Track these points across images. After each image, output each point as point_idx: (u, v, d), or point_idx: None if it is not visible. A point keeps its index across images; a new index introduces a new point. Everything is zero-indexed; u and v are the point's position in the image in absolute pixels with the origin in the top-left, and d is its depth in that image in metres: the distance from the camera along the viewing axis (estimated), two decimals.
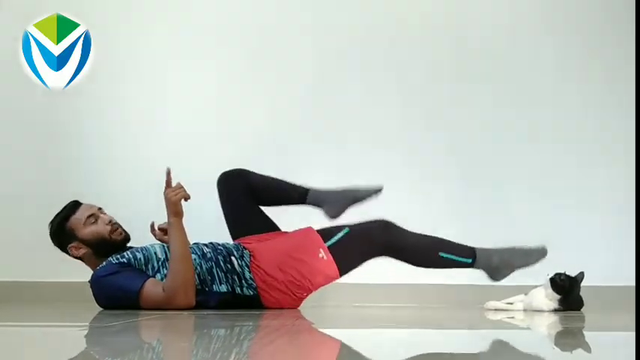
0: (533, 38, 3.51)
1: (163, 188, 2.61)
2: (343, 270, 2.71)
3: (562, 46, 3.49)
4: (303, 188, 2.80)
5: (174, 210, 2.58)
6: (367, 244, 2.71)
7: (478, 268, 2.75)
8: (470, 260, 2.73)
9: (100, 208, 2.70)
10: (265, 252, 2.67)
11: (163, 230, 2.68)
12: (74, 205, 2.67)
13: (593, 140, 3.46)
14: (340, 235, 2.70)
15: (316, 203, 2.77)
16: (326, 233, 2.71)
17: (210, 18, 3.48)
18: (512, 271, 2.75)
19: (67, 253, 2.66)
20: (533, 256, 2.75)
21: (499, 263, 2.73)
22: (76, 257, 2.66)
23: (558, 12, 3.51)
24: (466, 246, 2.76)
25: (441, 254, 2.72)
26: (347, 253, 2.69)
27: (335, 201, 2.75)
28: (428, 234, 2.79)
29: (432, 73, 3.47)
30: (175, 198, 2.58)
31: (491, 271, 2.75)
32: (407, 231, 2.75)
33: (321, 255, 2.65)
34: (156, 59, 3.47)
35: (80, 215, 2.64)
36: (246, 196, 2.77)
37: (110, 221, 2.67)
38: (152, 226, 2.72)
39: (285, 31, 3.47)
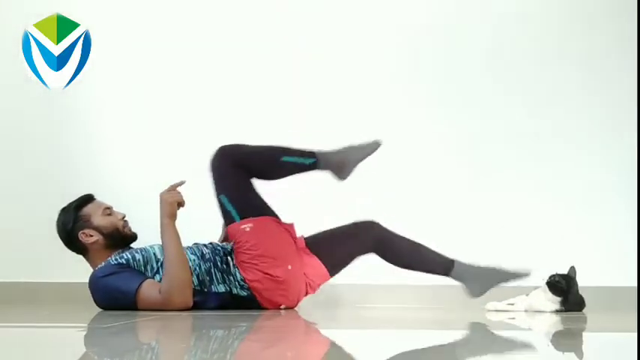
0: (536, 40, 3.50)
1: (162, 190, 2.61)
2: (269, 212, 2.69)
3: (562, 48, 3.48)
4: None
5: (169, 211, 2.58)
6: (234, 183, 2.67)
7: (323, 168, 2.73)
8: (311, 160, 2.71)
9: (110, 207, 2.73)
10: (240, 267, 2.65)
11: None
12: (89, 197, 2.70)
13: (594, 140, 3.45)
14: (228, 205, 2.64)
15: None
16: (227, 217, 2.66)
17: (210, 18, 3.48)
18: (355, 166, 2.74)
19: (74, 241, 2.62)
20: (368, 148, 2.74)
21: (341, 159, 2.72)
22: (82, 247, 2.63)
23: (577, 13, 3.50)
24: (306, 150, 2.74)
25: (284, 158, 2.70)
26: (249, 204, 2.67)
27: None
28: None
29: (433, 73, 3.47)
30: (172, 199, 2.58)
31: (336, 169, 2.74)
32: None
33: (247, 228, 2.62)
34: (156, 59, 3.47)
35: (97, 205, 2.67)
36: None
37: (123, 217, 2.70)
38: None
39: (285, 31, 3.47)
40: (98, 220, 2.64)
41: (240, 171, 2.68)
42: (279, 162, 2.71)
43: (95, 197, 2.72)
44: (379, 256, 2.81)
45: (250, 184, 2.69)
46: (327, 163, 2.73)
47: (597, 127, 3.45)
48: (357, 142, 2.76)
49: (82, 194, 2.70)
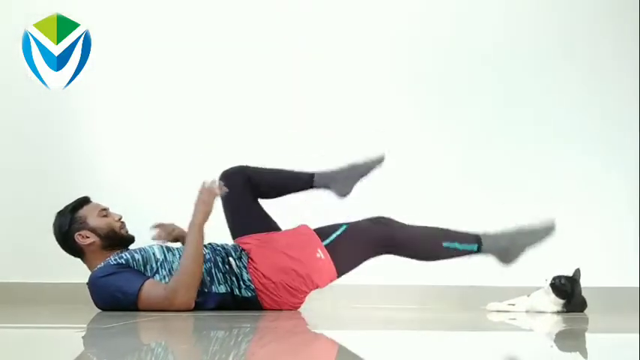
0: (534, 40, 3.49)
1: (200, 187, 2.59)
2: (341, 269, 2.67)
3: (563, 48, 3.48)
4: (306, 174, 2.75)
5: (206, 211, 2.57)
6: (366, 241, 2.66)
7: (487, 253, 2.65)
8: (475, 246, 2.65)
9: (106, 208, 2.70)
10: (263, 253, 2.65)
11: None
12: (85, 200, 2.68)
13: (596, 141, 3.44)
14: (338, 233, 2.66)
15: (324, 185, 2.73)
16: (323, 232, 2.68)
17: (210, 18, 3.47)
18: (523, 251, 2.66)
19: (71, 243, 2.61)
20: (540, 233, 2.67)
21: (507, 245, 2.64)
22: (79, 249, 2.62)
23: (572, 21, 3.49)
24: (470, 233, 2.69)
25: (445, 244, 2.64)
26: (345, 252, 2.65)
27: (343, 179, 2.70)
28: (429, 225, 2.72)
29: (433, 73, 3.46)
30: (210, 200, 2.57)
31: (501, 255, 2.66)
32: (407, 225, 2.69)
33: (318, 255, 2.62)
34: (156, 59, 3.46)
35: (93, 206, 2.65)
36: (247, 193, 2.73)
37: (120, 219, 2.68)
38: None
39: (285, 32, 3.46)
40: (94, 221, 2.62)
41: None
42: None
43: (91, 200, 2.69)
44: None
45: (365, 257, 2.67)
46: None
47: (600, 128, 3.44)
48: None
49: (79, 197, 2.68)
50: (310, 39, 3.47)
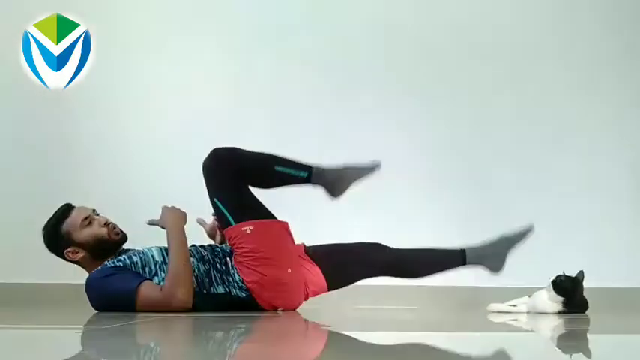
0: (535, 38, 3.48)
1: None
2: (265, 214, 2.64)
3: (564, 51, 3.47)
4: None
5: (183, 217, 2.63)
6: (229, 186, 2.62)
7: (315, 184, 2.67)
8: (305, 174, 2.65)
9: (94, 210, 2.65)
10: (238, 268, 2.63)
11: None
12: (67, 209, 2.62)
13: (600, 141, 3.43)
14: (223, 208, 2.61)
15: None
16: (223, 221, 2.63)
17: (210, 19, 3.47)
18: (349, 185, 2.68)
19: (64, 258, 2.61)
20: (366, 168, 2.68)
21: (334, 178, 2.66)
22: (73, 262, 2.62)
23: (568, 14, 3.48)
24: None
25: (277, 168, 2.66)
26: (244, 207, 2.62)
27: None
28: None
29: (434, 73, 3.45)
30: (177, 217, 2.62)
31: (329, 187, 2.68)
32: (241, 150, 2.65)
33: (248, 230, 2.58)
34: (156, 59, 3.46)
35: (75, 218, 2.59)
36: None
37: (106, 223, 2.62)
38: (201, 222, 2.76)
39: (285, 32, 3.45)
40: (79, 235, 2.57)
41: (234, 174, 2.63)
42: (272, 170, 2.66)
43: (73, 206, 2.62)
44: (393, 276, 2.78)
45: (243, 186, 2.64)
46: (320, 179, 2.67)
47: (603, 129, 3.43)
48: (354, 162, 2.70)
49: (60, 206, 2.62)
50: (311, 38, 3.46)
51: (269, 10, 3.48)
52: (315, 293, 2.71)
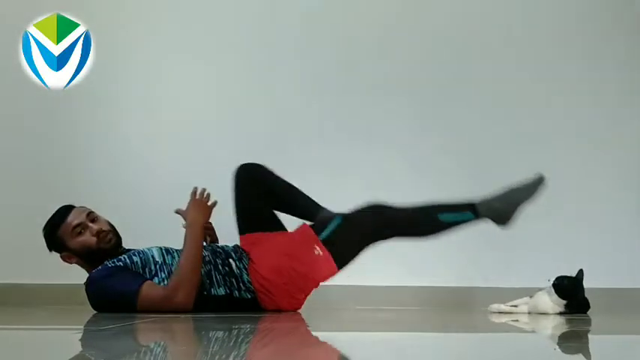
0: (534, 38, 3.47)
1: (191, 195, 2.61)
2: (341, 262, 2.62)
3: (566, 51, 3.46)
4: (316, 205, 2.69)
5: (206, 214, 2.60)
6: (363, 231, 2.62)
7: (483, 218, 2.60)
8: (470, 214, 2.60)
9: (89, 213, 2.61)
10: (262, 255, 2.63)
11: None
12: (65, 212, 2.60)
13: (601, 140, 3.42)
14: (333, 225, 2.62)
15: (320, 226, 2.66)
16: (318, 226, 2.64)
17: (210, 19, 3.46)
18: (517, 207, 2.60)
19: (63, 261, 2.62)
20: (532, 187, 2.62)
21: (502, 205, 2.59)
22: (72, 264, 2.63)
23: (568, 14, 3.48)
24: (462, 202, 2.64)
25: (441, 217, 2.61)
26: (343, 244, 2.61)
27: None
28: (421, 203, 2.67)
29: (434, 72, 3.44)
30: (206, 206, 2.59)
31: (498, 216, 2.60)
32: (399, 206, 2.64)
33: (316, 252, 2.59)
34: (156, 59, 3.45)
35: (68, 225, 2.57)
36: (262, 194, 2.70)
37: (97, 232, 2.58)
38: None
39: (286, 31, 3.44)
40: (70, 243, 2.57)
41: (372, 234, 2.62)
42: (438, 221, 2.61)
43: (72, 207, 2.60)
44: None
45: (362, 246, 2.63)
46: (486, 213, 2.59)
47: (605, 128, 3.42)
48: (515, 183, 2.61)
49: (59, 208, 2.62)
50: (312, 38, 3.45)
51: (269, 10, 3.47)
52: (324, 280, 2.68)
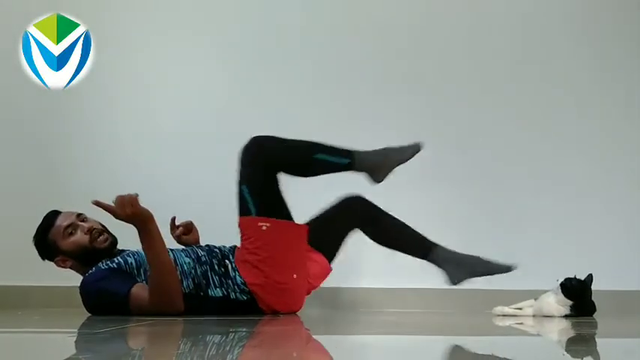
0: (539, 37, 3.44)
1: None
2: (286, 214, 2.59)
3: (568, 50, 3.43)
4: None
5: (139, 219, 2.41)
6: (260, 175, 2.56)
7: (358, 170, 2.60)
8: (346, 160, 2.58)
9: (79, 215, 2.58)
10: (240, 264, 2.57)
11: (185, 228, 2.69)
12: (52, 216, 2.57)
13: (606, 142, 3.39)
14: (247, 196, 2.54)
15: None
16: (242, 207, 2.55)
17: (210, 18, 3.45)
18: (392, 168, 2.60)
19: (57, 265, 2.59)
20: (409, 150, 2.61)
21: (379, 161, 2.58)
22: (67, 268, 2.59)
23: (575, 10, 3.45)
24: (342, 147, 2.62)
25: (315, 156, 2.59)
26: (269, 200, 2.56)
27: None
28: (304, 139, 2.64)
29: (435, 72, 3.42)
30: (131, 210, 2.39)
31: (372, 171, 2.59)
32: (285, 139, 2.61)
33: (263, 227, 2.52)
34: (156, 59, 3.44)
35: (58, 227, 2.54)
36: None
37: (89, 229, 2.55)
38: (173, 221, 2.67)
39: (286, 30, 3.43)
40: (63, 245, 2.53)
41: (270, 165, 2.57)
42: (313, 159, 2.59)
43: (59, 212, 2.57)
44: (363, 232, 2.70)
45: (276, 181, 2.59)
46: (362, 165, 2.59)
47: (614, 129, 3.39)
48: (396, 144, 2.62)
49: (45, 214, 2.58)
50: (312, 37, 3.43)
51: (270, 9, 3.45)
52: (320, 280, 2.65)
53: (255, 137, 2.60)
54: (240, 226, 2.59)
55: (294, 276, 2.56)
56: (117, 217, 2.42)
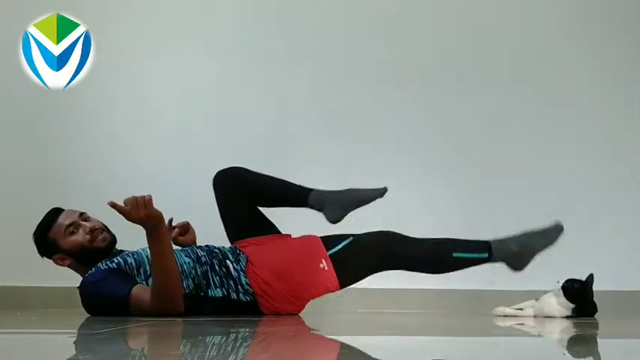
0: (543, 36, 3.44)
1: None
2: (344, 282, 2.59)
3: (569, 52, 3.42)
4: (304, 189, 2.65)
5: (152, 222, 2.39)
6: (371, 254, 2.59)
7: (497, 261, 2.55)
8: (486, 255, 2.55)
9: (81, 214, 2.57)
10: (263, 257, 2.58)
11: (182, 228, 2.68)
12: (54, 214, 2.56)
13: (606, 141, 3.38)
14: (344, 244, 2.58)
15: (318, 206, 2.63)
16: (329, 241, 2.61)
17: (211, 18, 3.44)
18: (534, 255, 2.55)
19: (55, 263, 2.58)
20: (550, 234, 2.57)
21: (519, 249, 2.53)
22: (65, 266, 2.58)
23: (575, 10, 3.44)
24: (479, 240, 2.59)
25: (455, 255, 2.55)
26: (349, 264, 2.57)
27: (337, 203, 2.61)
28: (436, 237, 2.63)
29: (437, 71, 3.41)
30: (144, 213, 2.37)
31: (513, 260, 2.55)
32: (414, 239, 2.60)
33: (322, 265, 2.55)
34: (156, 59, 3.43)
35: (60, 225, 2.53)
36: (244, 197, 2.65)
37: (91, 229, 2.54)
38: (170, 222, 2.67)
39: (286, 28, 3.42)
40: (63, 243, 2.52)
41: (379, 264, 2.59)
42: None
43: (61, 210, 2.56)
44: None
45: (369, 271, 2.61)
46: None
47: (615, 129, 3.38)
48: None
49: (48, 211, 2.56)
50: (313, 35, 3.42)
51: (269, 10, 3.44)
52: (321, 295, 2.64)
53: (397, 236, 2.60)
54: (307, 238, 2.60)
55: (299, 304, 2.59)
56: (129, 219, 2.37)
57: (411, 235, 2.61)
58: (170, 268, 2.42)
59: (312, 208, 2.64)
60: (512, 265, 2.57)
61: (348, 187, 2.62)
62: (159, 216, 2.39)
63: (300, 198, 2.64)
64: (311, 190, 2.64)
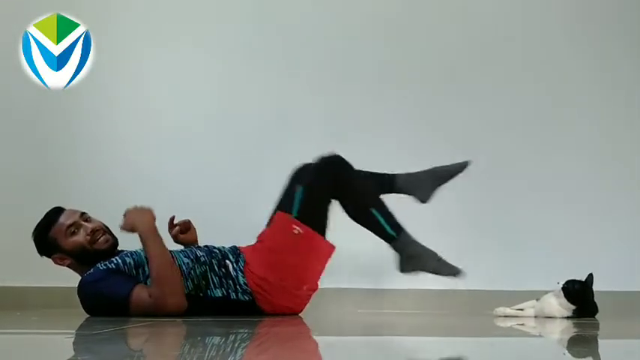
0: (544, 36, 3.43)
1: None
2: (321, 230, 2.57)
3: (571, 57, 3.42)
4: (388, 176, 2.62)
5: (146, 227, 2.47)
6: (325, 192, 2.55)
7: (394, 248, 2.56)
8: (393, 234, 2.54)
9: (83, 214, 2.57)
10: (253, 255, 2.59)
11: (183, 226, 2.68)
12: (55, 213, 2.56)
13: (606, 141, 3.38)
14: (298, 198, 2.55)
15: (406, 189, 2.61)
16: (285, 204, 2.58)
17: (211, 18, 3.44)
18: (421, 271, 2.55)
19: (55, 263, 2.57)
20: (445, 268, 2.55)
21: (415, 255, 2.54)
22: (64, 266, 2.58)
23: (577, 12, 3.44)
24: (398, 222, 2.58)
25: (373, 210, 2.56)
26: (315, 212, 2.55)
27: (426, 182, 2.59)
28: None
29: (437, 71, 3.41)
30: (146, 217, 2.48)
31: (405, 260, 2.55)
32: (357, 171, 2.60)
33: (296, 231, 2.52)
34: (156, 59, 3.43)
35: (61, 225, 2.53)
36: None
37: (92, 230, 2.54)
38: (172, 220, 2.66)
39: (286, 28, 3.42)
40: (64, 243, 2.52)
41: (339, 187, 2.56)
42: (369, 211, 2.56)
43: (63, 209, 2.56)
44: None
45: (330, 202, 2.58)
46: (401, 251, 2.53)
47: (615, 129, 3.38)
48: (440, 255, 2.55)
49: (49, 210, 2.57)
50: (313, 34, 3.42)
51: (269, 10, 3.44)
52: (321, 258, 2.62)
53: (342, 158, 2.58)
54: (274, 218, 2.57)
55: (304, 287, 2.58)
56: (134, 221, 2.49)
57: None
58: (167, 259, 2.44)
59: (399, 192, 2.61)
60: (400, 262, 2.57)
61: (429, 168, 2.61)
62: (139, 225, 2.47)
63: (386, 185, 2.62)
64: (394, 175, 2.62)
